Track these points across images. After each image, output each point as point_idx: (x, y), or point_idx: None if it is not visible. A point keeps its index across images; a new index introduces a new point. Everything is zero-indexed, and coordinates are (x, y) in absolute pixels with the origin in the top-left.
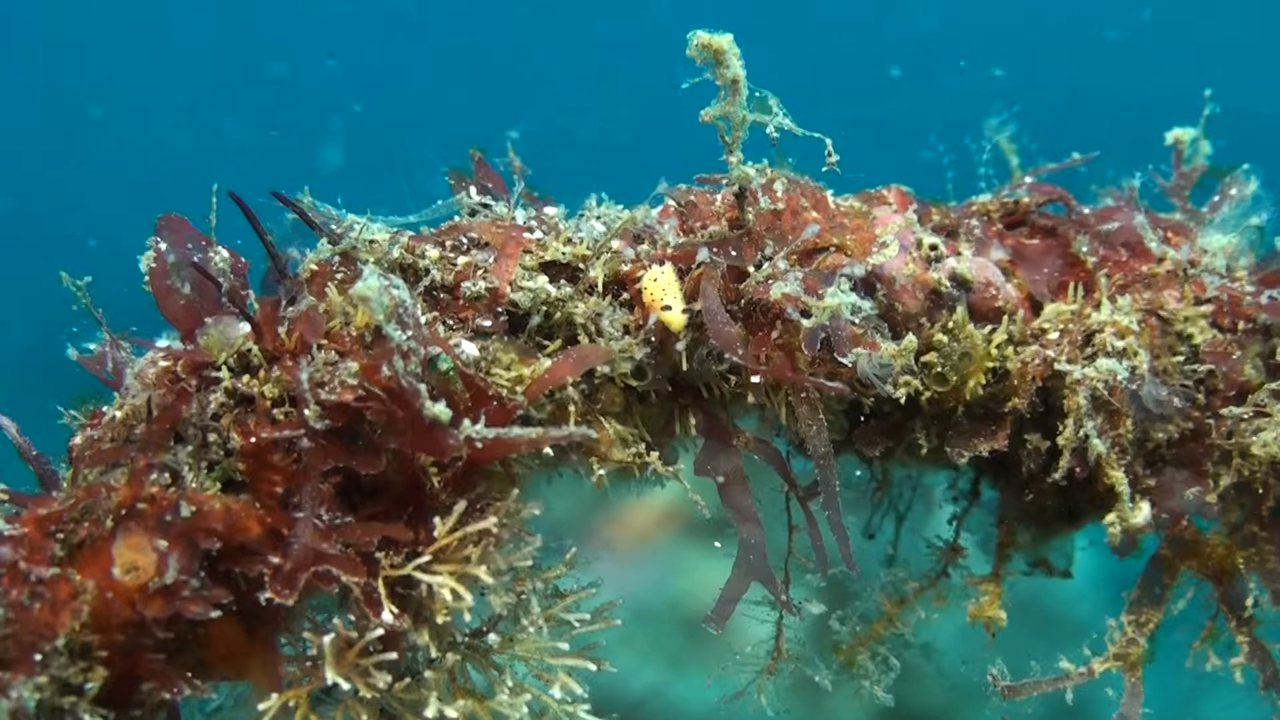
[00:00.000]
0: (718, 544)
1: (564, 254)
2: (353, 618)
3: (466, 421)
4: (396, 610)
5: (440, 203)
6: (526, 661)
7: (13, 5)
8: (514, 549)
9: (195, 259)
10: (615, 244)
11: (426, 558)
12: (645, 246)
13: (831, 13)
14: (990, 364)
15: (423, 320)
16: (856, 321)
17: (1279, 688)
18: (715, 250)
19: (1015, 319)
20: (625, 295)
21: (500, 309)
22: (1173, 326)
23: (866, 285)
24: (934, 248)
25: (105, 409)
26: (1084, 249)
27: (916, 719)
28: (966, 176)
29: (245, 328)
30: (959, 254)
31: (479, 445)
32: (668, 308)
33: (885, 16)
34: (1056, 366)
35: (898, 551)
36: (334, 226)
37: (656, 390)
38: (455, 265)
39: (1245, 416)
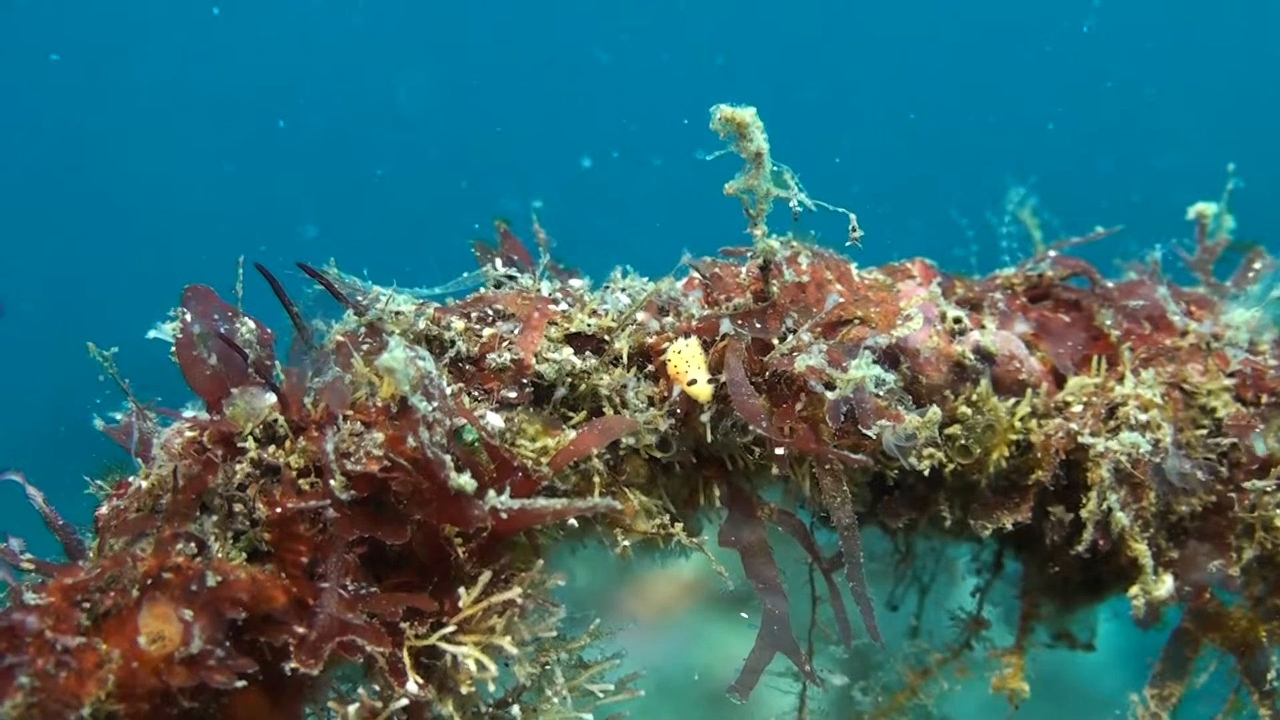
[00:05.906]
0: (744, 615)
1: (589, 326)
2: (377, 688)
3: (491, 492)
4: (421, 680)
5: (466, 274)
6: None
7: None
8: (538, 620)
9: (221, 330)
10: (640, 316)
11: (451, 628)
12: (670, 319)
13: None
14: (1014, 436)
15: (448, 391)
16: (880, 394)
17: None
18: (740, 322)
19: (1039, 392)
20: (650, 367)
21: (525, 380)
22: (1196, 400)
23: (890, 358)
24: (958, 320)
25: (131, 479)
26: (1108, 322)
27: None
28: (989, 250)
29: (271, 398)
30: (983, 327)
31: (504, 516)
32: (693, 380)
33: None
34: (1080, 439)
35: (921, 623)
36: (360, 298)
37: (681, 462)
38: (481, 337)
39: (1268, 490)
